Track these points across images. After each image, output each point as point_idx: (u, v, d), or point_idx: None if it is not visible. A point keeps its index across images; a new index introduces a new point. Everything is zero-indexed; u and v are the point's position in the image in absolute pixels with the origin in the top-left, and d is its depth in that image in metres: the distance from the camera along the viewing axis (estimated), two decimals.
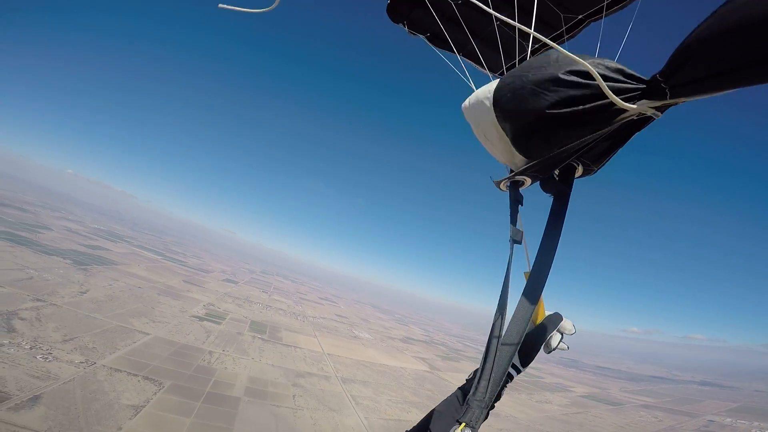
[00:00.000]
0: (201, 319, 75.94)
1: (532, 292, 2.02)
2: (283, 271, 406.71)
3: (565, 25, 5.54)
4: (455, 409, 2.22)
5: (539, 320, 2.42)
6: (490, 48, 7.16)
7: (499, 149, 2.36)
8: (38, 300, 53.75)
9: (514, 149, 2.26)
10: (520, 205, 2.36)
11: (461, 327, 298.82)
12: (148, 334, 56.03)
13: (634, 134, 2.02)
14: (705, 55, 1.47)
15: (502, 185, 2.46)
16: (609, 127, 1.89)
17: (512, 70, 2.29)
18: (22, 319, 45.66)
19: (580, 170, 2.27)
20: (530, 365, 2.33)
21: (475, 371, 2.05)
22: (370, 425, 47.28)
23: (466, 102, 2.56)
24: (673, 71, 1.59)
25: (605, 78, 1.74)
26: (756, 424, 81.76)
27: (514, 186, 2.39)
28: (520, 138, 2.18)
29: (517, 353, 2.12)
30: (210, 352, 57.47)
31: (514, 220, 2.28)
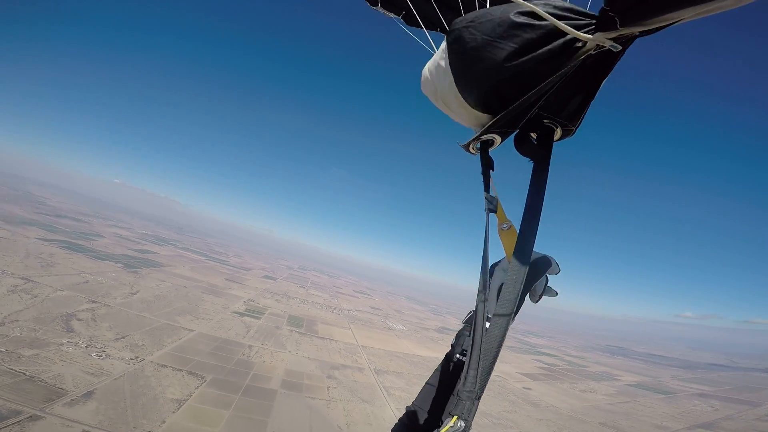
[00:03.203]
0: (242, 314, 79.33)
1: (516, 272, 1.74)
2: (319, 266, 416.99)
3: None
4: (433, 401, 2.14)
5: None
6: (453, 12, 7.13)
7: (462, 113, 2.16)
8: (93, 302, 58.42)
9: (476, 111, 2.07)
10: (491, 170, 2.20)
11: None
12: (192, 330, 59.37)
13: (602, 81, 1.84)
14: None
15: (471, 148, 2.27)
16: (571, 64, 1.70)
17: (457, 19, 2.03)
18: (79, 319, 49.74)
19: (558, 132, 2.06)
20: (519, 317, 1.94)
21: (456, 335, 1.98)
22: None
23: (424, 70, 2.36)
24: None
25: (555, 17, 1.61)
26: None
27: (484, 147, 2.21)
28: (482, 96, 1.99)
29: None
30: (250, 346, 59.83)
31: (487, 187, 2.14)
